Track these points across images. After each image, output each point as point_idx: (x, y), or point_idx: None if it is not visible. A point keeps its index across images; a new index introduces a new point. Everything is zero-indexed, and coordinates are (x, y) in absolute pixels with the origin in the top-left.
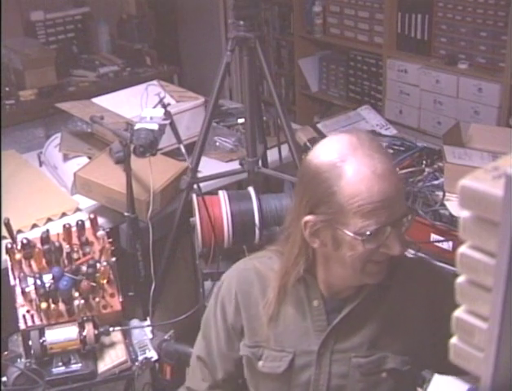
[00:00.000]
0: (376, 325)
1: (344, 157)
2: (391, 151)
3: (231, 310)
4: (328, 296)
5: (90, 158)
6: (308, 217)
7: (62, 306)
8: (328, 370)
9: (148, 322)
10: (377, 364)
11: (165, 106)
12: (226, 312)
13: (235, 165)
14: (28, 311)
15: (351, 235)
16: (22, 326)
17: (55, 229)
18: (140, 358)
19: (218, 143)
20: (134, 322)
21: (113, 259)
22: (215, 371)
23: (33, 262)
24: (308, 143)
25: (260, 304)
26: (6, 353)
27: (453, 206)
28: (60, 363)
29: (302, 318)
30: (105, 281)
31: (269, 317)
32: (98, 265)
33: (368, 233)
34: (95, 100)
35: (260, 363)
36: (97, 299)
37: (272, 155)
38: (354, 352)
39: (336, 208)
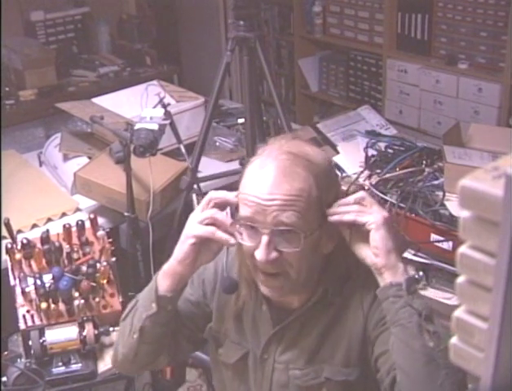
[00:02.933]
0: (315, 339)
1: (257, 155)
2: (391, 151)
3: (208, 289)
4: (276, 303)
5: (90, 158)
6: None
7: (62, 306)
8: (270, 376)
9: None
10: (313, 376)
11: (165, 106)
12: (205, 291)
13: (235, 165)
14: (28, 311)
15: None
16: (22, 326)
17: (55, 229)
18: None
19: (218, 143)
20: None
21: (113, 259)
22: None
23: (33, 262)
24: None
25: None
26: (6, 353)
27: (453, 206)
28: (60, 363)
29: (258, 319)
30: (105, 281)
31: (235, 309)
32: (98, 265)
33: (237, 220)
34: (95, 100)
35: (220, 350)
36: (97, 299)
37: None
38: (292, 363)
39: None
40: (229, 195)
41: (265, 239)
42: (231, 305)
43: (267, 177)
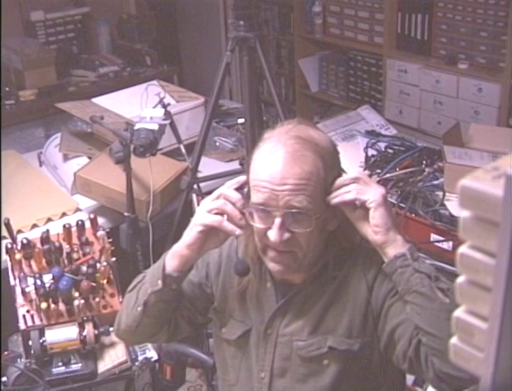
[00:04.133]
0: (319, 311)
1: (265, 139)
2: (391, 151)
3: (212, 272)
4: (280, 280)
5: (90, 158)
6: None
7: (62, 306)
8: (273, 351)
9: None
10: (317, 346)
11: (165, 106)
12: (209, 273)
13: (235, 165)
14: (28, 311)
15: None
16: (22, 326)
17: (55, 229)
18: (140, 358)
19: (218, 143)
20: None
21: (113, 259)
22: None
23: (33, 262)
24: None
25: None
26: (6, 353)
27: (453, 206)
28: (60, 363)
29: (262, 297)
30: (105, 281)
31: (238, 289)
32: (98, 265)
33: (250, 207)
34: (95, 100)
35: (223, 330)
36: (97, 299)
37: None
38: (296, 335)
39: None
40: (239, 200)
41: (278, 221)
42: (235, 285)
43: (278, 163)
